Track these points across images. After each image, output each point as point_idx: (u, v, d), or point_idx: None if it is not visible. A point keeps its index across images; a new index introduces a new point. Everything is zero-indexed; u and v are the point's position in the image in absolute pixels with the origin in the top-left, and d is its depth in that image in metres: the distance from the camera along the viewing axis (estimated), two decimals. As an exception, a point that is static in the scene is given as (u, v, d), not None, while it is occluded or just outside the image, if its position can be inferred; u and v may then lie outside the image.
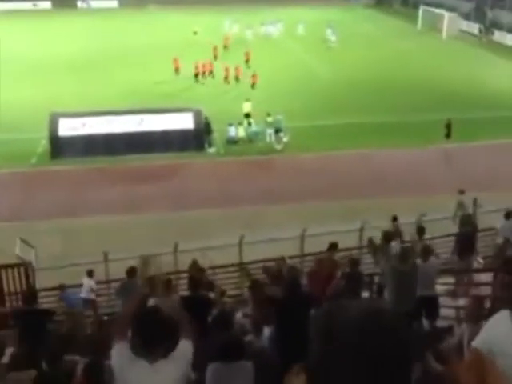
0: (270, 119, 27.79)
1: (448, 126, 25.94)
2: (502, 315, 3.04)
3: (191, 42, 46.51)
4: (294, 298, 7.59)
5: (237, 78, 36.14)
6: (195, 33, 49.58)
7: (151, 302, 7.11)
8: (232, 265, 15.48)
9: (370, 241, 13.83)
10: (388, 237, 13.01)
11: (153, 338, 3.82)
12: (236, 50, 42.38)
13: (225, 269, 15.09)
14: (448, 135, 25.93)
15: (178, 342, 3.93)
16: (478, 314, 7.27)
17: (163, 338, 3.84)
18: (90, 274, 14.33)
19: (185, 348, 4.02)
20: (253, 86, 34.71)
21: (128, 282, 10.93)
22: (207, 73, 37.17)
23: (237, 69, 36.44)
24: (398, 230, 14.98)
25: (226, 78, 36.45)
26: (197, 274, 10.91)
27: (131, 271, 10.84)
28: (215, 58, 39.88)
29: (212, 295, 9.87)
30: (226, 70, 36.52)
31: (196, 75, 36.73)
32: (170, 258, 14.85)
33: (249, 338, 8.29)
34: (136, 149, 25.59)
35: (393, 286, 9.89)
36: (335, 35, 48.07)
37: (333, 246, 12.25)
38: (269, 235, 15.81)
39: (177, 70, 37.82)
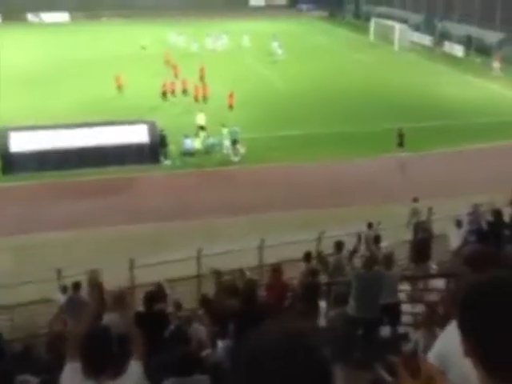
0: (225, 131, 27.76)
1: (400, 136, 26.40)
2: (454, 325, 3.02)
3: (140, 57, 46.43)
4: (251, 310, 7.52)
5: (196, 97, 34.82)
6: (143, 47, 49.32)
7: (105, 318, 6.93)
8: (189, 277, 15.32)
9: (319, 254, 13.93)
10: (339, 246, 13.07)
11: (101, 360, 3.69)
12: (186, 63, 42.07)
13: (183, 282, 14.92)
14: (400, 144, 26.37)
15: (128, 363, 3.82)
16: (431, 321, 7.35)
17: (112, 359, 3.71)
18: (64, 290, 13.67)
19: (134, 369, 3.91)
20: (230, 107, 32.81)
21: (73, 296, 10.78)
22: (172, 91, 35.78)
23: (197, 87, 35.54)
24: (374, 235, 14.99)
25: (183, 91, 35.92)
26: (155, 288, 10.75)
27: (76, 286, 10.71)
28: (176, 75, 38.87)
29: (168, 309, 9.73)
30: (183, 83, 36.04)
31: (164, 93, 35.49)
32: (125, 273, 14.62)
33: (206, 352, 8.19)
34: (90, 163, 25.13)
35: (357, 293, 9.92)
36: (281, 48, 47.78)
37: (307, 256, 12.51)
38: (227, 247, 15.73)
39: (119, 87, 36.65)
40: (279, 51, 47.82)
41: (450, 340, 2.81)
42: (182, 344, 7.56)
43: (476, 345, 1.48)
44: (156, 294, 9.51)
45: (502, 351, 1.44)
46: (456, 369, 2.54)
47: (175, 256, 15.14)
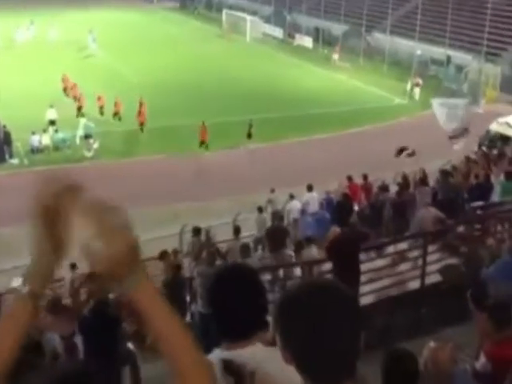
0: (81, 123, 26.63)
1: (250, 127, 26.72)
2: None
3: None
4: (101, 318, 7.06)
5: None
6: None
7: None
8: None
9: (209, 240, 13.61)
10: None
11: None
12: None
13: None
14: (249, 136, 26.68)
15: None
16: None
17: None
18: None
19: None
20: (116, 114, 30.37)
21: None
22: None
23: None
24: None
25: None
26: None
27: None
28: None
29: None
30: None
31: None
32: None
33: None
34: None
35: (203, 290, 9.74)
36: (95, 42, 45.80)
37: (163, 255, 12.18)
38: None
39: None
40: (93, 45, 45.64)
41: None
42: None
43: (292, 352, 1.51)
44: None
45: (314, 358, 1.49)
46: None
47: (24, 261, 14.03)
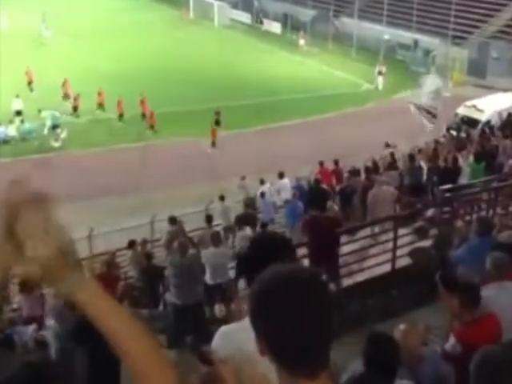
0: (44, 115, 26.08)
1: (217, 114, 26.58)
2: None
3: None
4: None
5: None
6: None
7: None
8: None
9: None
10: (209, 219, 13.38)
11: None
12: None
13: None
14: (217, 123, 26.56)
15: None
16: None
17: None
18: None
19: None
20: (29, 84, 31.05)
21: None
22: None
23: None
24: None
25: None
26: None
27: None
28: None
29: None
30: None
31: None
32: None
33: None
34: None
35: (175, 280, 9.72)
36: (49, 30, 44.29)
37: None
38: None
39: None
40: (47, 33, 44.09)
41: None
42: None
43: (267, 343, 1.50)
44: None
45: (290, 350, 1.48)
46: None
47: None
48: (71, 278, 1.35)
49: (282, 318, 1.47)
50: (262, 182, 17.60)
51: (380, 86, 36.24)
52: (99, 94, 29.41)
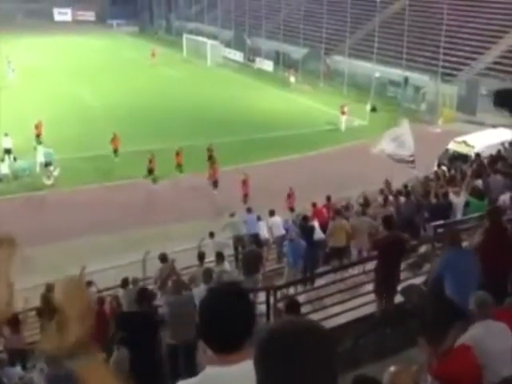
0: (39, 150, 26.23)
1: (210, 150, 26.54)
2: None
3: None
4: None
5: None
6: None
7: None
8: None
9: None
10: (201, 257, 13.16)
11: None
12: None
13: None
14: (210, 159, 26.44)
15: None
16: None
17: None
18: None
19: None
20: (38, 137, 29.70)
21: None
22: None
23: None
24: None
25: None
26: None
27: None
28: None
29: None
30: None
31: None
32: None
33: None
34: None
35: (172, 320, 9.61)
36: (14, 71, 44.51)
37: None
38: (45, 278, 14.52)
39: None
40: (11, 75, 44.29)
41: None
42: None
43: None
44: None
45: None
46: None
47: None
48: (86, 355, 1.42)
49: (289, 369, 1.49)
50: (250, 211, 17.91)
51: (342, 126, 34.92)
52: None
